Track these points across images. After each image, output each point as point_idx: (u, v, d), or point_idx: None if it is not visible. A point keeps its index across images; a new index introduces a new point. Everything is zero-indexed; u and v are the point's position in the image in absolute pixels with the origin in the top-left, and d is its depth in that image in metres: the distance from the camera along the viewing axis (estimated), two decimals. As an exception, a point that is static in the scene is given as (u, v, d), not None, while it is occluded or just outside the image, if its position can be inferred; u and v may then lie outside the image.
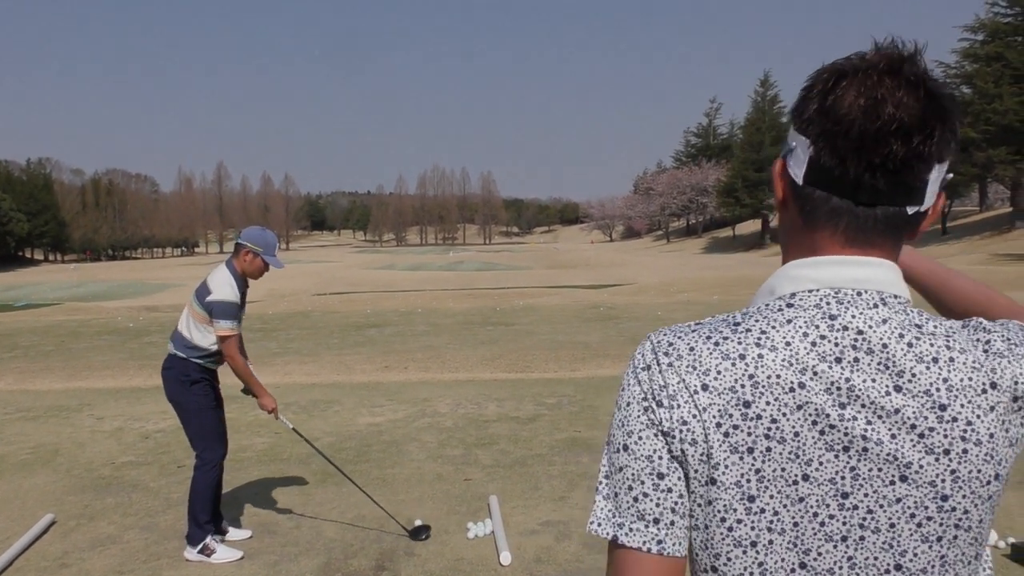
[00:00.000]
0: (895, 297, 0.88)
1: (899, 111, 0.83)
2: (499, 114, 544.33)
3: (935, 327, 0.87)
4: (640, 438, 0.88)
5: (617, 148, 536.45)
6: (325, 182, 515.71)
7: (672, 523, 0.88)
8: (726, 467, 0.85)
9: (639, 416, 0.89)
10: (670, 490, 0.88)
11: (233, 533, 4.66)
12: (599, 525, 0.91)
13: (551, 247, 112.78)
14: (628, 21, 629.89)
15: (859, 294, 0.87)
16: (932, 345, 0.86)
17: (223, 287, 4.33)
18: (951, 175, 0.90)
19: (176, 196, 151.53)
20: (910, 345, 0.85)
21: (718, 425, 0.86)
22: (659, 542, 0.87)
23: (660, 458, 0.87)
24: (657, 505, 0.88)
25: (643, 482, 0.88)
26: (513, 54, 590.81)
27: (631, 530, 0.88)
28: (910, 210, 0.87)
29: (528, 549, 4.35)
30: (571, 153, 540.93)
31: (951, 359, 0.85)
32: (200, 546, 4.32)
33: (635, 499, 0.88)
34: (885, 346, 0.85)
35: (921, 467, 0.84)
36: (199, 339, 4.39)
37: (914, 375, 0.84)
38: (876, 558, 0.86)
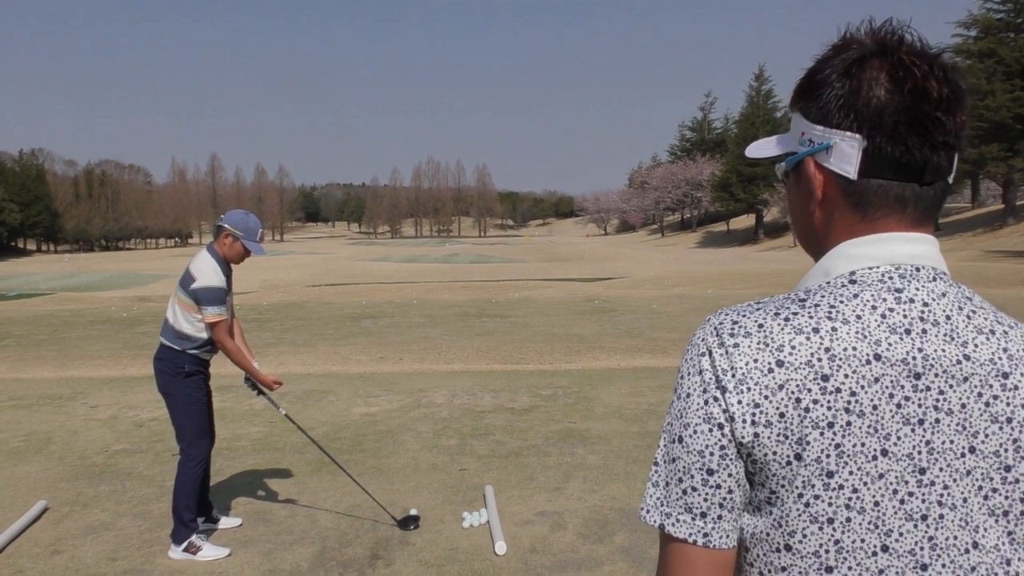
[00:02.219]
0: (944, 273, 0.91)
1: (943, 88, 0.85)
2: (495, 107, 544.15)
3: (982, 302, 0.91)
4: (695, 432, 0.88)
5: (612, 142, 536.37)
6: (320, 174, 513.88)
7: (720, 517, 0.88)
8: (807, 443, 0.84)
9: (699, 409, 0.88)
10: (719, 486, 0.88)
11: (224, 521, 4.65)
12: (647, 512, 0.93)
13: (546, 240, 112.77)
14: (624, 14, 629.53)
15: (917, 269, 0.90)
16: (986, 319, 0.89)
17: (207, 273, 4.27)
18: None
19: (170, 187, 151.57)
20: (969, 317, 0.88)
21: (797, 401, 0.84)
22: (705, 535, 0.88)
23: (712, 454, 0.87)
24: (705, 500, 0.88)
25: (693, 476, 0.88)
26: (509, 46, 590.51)
27: (678, 521, 0.89)
28: (950, 180, 0.92)
29: (523, 539, 4.35)
30: (566, 146, 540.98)
31: (1005, 332, 0.89)
32: (185, 544, 4.23)
33: (684, 492, 0.89)
34: (948, 318, 0.87)
35: (987, 436, 0.85)
36: (189, 328, 4.32)
37: (976, 345, 0.86)
38: (956, 537, 0.85)
